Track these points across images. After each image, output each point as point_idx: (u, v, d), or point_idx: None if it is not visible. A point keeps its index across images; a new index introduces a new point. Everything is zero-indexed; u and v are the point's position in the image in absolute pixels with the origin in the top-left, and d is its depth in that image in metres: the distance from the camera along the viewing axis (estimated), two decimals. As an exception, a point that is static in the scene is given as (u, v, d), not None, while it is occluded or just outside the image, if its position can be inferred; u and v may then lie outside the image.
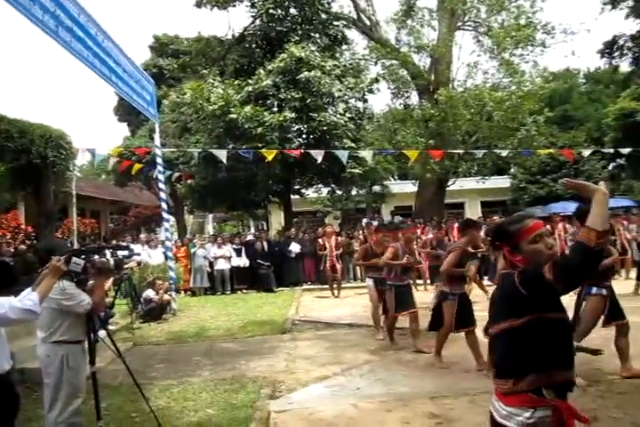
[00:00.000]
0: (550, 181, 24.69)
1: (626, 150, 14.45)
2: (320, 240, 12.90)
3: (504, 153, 13.72)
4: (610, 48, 22.96)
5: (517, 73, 16.07)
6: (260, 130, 13.82)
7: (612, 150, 16.54)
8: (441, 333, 5.74)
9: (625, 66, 24.52)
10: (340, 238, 13.50)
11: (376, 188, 24.62)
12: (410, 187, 21.62)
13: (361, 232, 13.78)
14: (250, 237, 15.48)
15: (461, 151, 14.18)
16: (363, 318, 8.71)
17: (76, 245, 11.57)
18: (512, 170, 26.60)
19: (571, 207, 17.92)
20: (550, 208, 18.16)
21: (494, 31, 16.58)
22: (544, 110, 16.27)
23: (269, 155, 11.90)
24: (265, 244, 14.56)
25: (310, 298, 12.11)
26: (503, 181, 26.96)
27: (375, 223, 12.33)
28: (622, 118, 27.87)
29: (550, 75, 34.54)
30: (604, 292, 4.98)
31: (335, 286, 12.31)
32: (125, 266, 9.66)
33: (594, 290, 4.97)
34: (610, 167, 29.91)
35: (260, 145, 13.54)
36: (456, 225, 11.12)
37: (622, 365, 5.01)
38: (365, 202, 25.31)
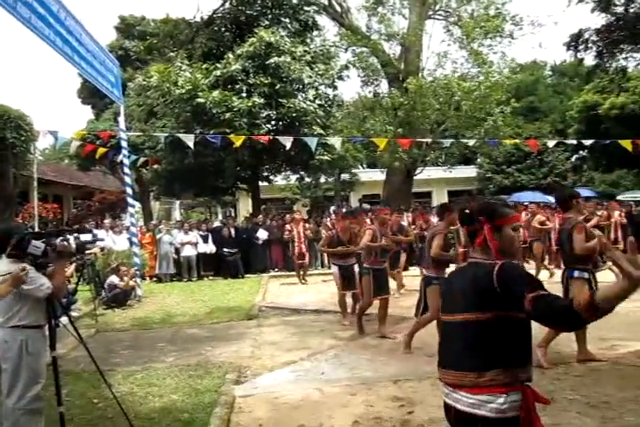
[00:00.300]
0: (515, 171, 25.22)
1: (588, 142, 14.80)
2: (288, 226, 12.88)
3: (471, 143, 13.90)
4: (575, 41, 23.30)
5: (486, 63, 16.23)
6: (228, 115, 13.65)
7: (575, 142, 16.93)
8: (425, 317, 5.64)
9: (589, 59, 24.98)
10: (307, 225, 13.52)
11: (344, 176, 24.69)
12: (378, 175, 21.75)
13: (328, 220, 13.82)
14: (217, 224, 15.37)
15: (429, 140, 14.30)
16: (329, 304, 8.79)
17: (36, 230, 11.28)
18: (478, 160, 27.04)
19: (533, 197, 18.40)
20: (514, 197, 18.52)
21: (464, 21, 16.70)
22: (510, 101, 16.51)
23: (237, 140, 11.78)
24: (232, 230, 14.47)
25: (277, 285, 12.12)
26: (470, 171, 27.40)
27: (343, 211, 12.37)
28: (585, 111, 28.56)
29: (517, 66, 35.01)
30: (586, 275, 4.98)
31: (302, 272, 12.35)
32: (88, 251, 9.50)
33: (575, 273, 4.97)
34: (573, 159, 30.70)
35: (228, 130, 13.38)
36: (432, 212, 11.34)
37: (579, 349, 5.16)
38: (334, 190, 25.39)
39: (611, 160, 28.20)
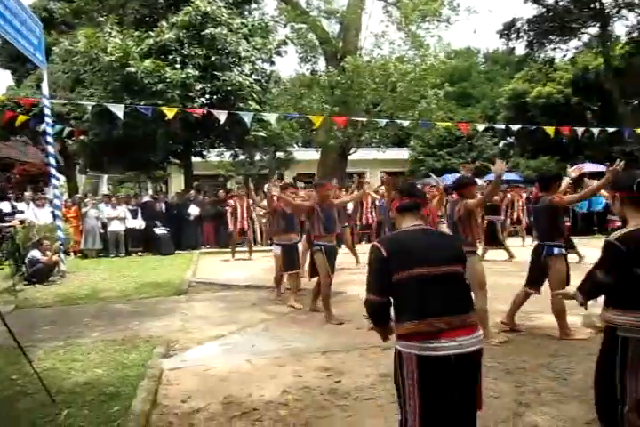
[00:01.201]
0: (446, 155, 25.92)
1: (515, 127, 15.40)
2: (231, 201, 12.65)
3: (405, 124, 14.14)
4: (508, 30, 24.09)
5: (422, 46, 16.47)
6: (160, 86, 13.14)
7: (503, 126, 17.58)
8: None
9: (520, 48, 25.89)
10: (250, 201, 13.27)
11: (280, 154, 24.53)
12: (313, 154, 21.74)
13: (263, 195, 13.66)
14: (147, 199, 14.91)
15: (365, 119, 14.41)
16: (262, 280, 8.79)
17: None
18: (412, 142, 27.57)
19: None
20: (444, 179, 19.06)
21: (403, 2, 16.79)
22: (444, 85, 16.87)
23: (170, 112, 11.38)
24: (163, 206, 14.12)
25: (209, 261, 11.98)
26: (403, 153, 27.91)
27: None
28: (514, 98, 29.66)
29: (452, 52, 35.70)
30: (564, 251, 5.13)
31: (247, 248, 12.22)
32: (7, 224, 8.99)
33: (555, 251, 5.04)
34: (501, 145, 31.97)
35: (160, 102, 12.90)
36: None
37: (508, 314, 5.45)
38: (268, 168, 25.18)
39: (535, 147, 29.53)
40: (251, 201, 11.47)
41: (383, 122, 12.96)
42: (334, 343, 5.21)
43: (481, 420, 3.01)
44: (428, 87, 15.85)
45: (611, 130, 13.74)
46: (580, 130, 13.06)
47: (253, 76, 15.01)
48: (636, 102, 23.20)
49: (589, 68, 27.22)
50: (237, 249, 12.19)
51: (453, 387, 2.27)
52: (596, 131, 13.94)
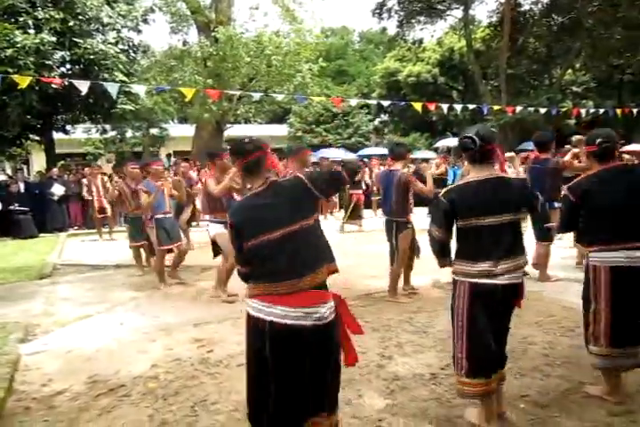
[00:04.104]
0: (323, 131, 26.39)
1: (386, 103, 15.97)
2: (85, 181, 11.86)
3: (280, 97, 14.09)
4: (380, 9, 24.67)
5: (296, 20, 16.40)
6: (10, 52, 11.85)
7: (375, 102, 18.16)
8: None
9: (392, 28, 26.77)
10: (106, 178, 12.53)
11: (154, 130, 23.49)
12: (189, 130, 21.07)
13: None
14: (2, 178, 13.59)
15: (239, 92, 14.14)
16: (132, 259, 8.39)
17: None
18: (290, 119, 27.69)
19: (337, 154, 19.66)
20: (320, 153, 19.39)
21: (276, -25, 16.55)
22: (319, 60, 17.00)
23: (23, 82, 10.29)
24: (22, 185, 12.95)
25: (76, 243, 11.23)
26: (281, 130, 27.99)
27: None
28: (387, 77, 30.78)
29: (329, 30, 35.99)
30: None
31: (106, 229, 11.58)
32: None
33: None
34: (376, 122, 33.19)
35: (10, 70, 11.68)
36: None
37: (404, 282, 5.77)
38: (142, 145, 24.05)
39: (407, 124, 30.98)
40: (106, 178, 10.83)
41: (258, 96, 12.79)
42: (206, 315, 5.14)
43: (348, 374, 3.16)
44: (303, 62, 15.90)
45: (471, 107, 14.69)
46: (445, 107, 13.82)
47: (119, 46, 14.08)
48: (494, 83, 25.01)
49: (454, 49, 28.90)
50: (114, 230, 11.60)
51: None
52: (459, 108, 14.84)
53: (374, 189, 13.22)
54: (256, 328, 2.31)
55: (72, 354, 4.28)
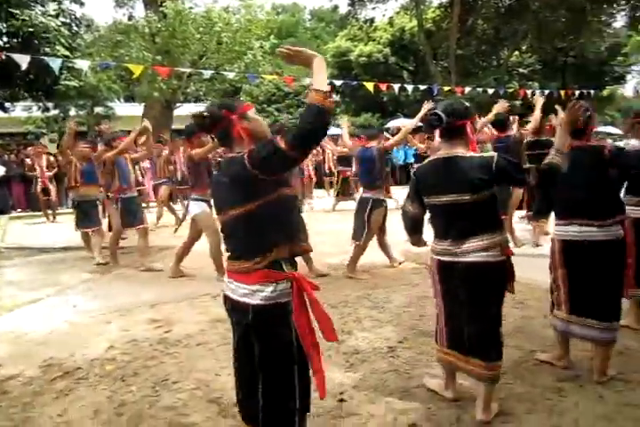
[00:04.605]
0: (275, 111, 26.13)
1: (338, 82, 15.86)
2: (28, 160, 11.36)
3: (231, 75, 13.79)
4: (331, -13, 24.43)
5: (245, -4, 16.02)
6: (-63, 22, 11.15)
7: (327, 81, 17.97)
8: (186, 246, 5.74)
9: (344, 6, 26.56)
10: (52, 158, 12.06)
11: (99, 109, 22.60)
12: (137, 109, 20.39)
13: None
14: None
15: (189, 70, 13.75)
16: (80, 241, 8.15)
17: None
18: (241, 98, 27.23)
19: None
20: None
21: (224, -52, 16.08)
22: (270, 37, 16.71)
23: (-47, 55, 9.71)
24: (-43, 166, 12.30)
25: (20, 225, 10.81)
26: (232, 109, 27.51)
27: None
28: (338, 56, 30.59)
29: (280, 6, 35.29)
30: None
31: (50, 211, 11.19)
32: None
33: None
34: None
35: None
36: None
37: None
38: (87, 124, 23.13)
39: (358, 105, 31.01)
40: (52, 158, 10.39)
41: (209, 73, 12.47)
42: (163, 296, 5.07)
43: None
44: (254, 39, 15.59)
45: (422, 87, 14.81)
46: (397, 87, 13.88)
47: (61, 19, 13.37)
48: (444, 64, 25.32)
49: (405, 29, 28.96)
50: (59, 211, 11.22)
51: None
52: (410, 88, 14.96)
53: (326, 168, 13.25)
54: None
55: (22, 339, 4.14)
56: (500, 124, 6.33)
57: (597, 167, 3.09)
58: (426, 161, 2.83)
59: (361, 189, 6.24)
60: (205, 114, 2.16)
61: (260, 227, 2.04)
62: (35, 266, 6.80)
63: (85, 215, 6.85)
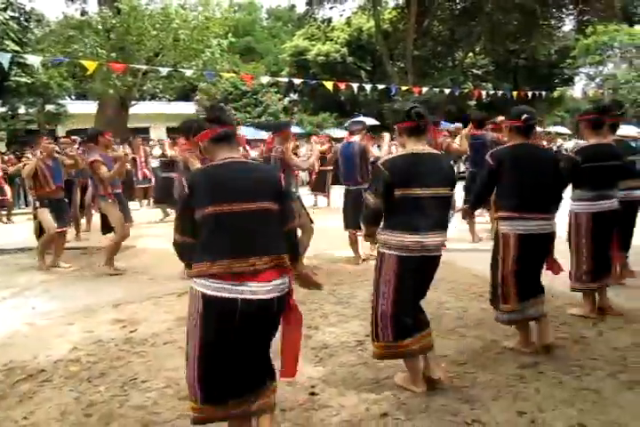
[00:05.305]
0: (232, 109, 25.89)
1: (297, 81, 15.92)
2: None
3: (189, 73, 13.60)
4: (289, -15, 24.40)
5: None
6: None
7: (285, 79, 18.05)
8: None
9: (301, 6, 26.63)
10: (6, 157, 11.68)
11: (50, 107, 21.92)
12: (90, 107, 19.87)
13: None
14: None
15: (145, 67, 13.48)
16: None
17: None
18: (197, 97, 26.90)
19: (247, 132, 19.43)
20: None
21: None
22: (228, 35, 16.57)
23: None
24: None
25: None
26: (189, 108, 27.16)
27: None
28: (296, 55, 30.62)
29: (236, 5, 35.07)
30: None
31: (5, 212, 10.83)
32: None
33: None
34: (285, 102, 33.03)
35: None
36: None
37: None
38: (37, 122, 22.40)
39: (317, 104, 31.11)
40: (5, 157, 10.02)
41: (165, 71, 12.27)
42: (126, 296, 4.99)
43: (276, 345, 3.21)
44: (212, 37, 15.44)
45: (380, 87, 15.00)
46: (355, 86, 14.02)
47: (9, 12, 12.94)
48: (401, 64, 25.70)
49: (363, 29, 29.25)
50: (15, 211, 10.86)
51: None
52: (368, 87, 15.14)
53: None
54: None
55: (-21, 342, 4.01)
56: (479, 121, 6.86)
57: (550, 165, 3.35)
58: (396, 155, 2.91)
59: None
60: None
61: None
62: (-12, 268, 6.57)
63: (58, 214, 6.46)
